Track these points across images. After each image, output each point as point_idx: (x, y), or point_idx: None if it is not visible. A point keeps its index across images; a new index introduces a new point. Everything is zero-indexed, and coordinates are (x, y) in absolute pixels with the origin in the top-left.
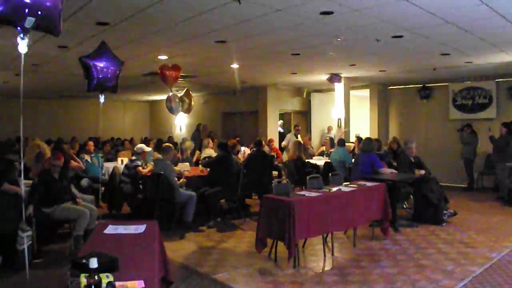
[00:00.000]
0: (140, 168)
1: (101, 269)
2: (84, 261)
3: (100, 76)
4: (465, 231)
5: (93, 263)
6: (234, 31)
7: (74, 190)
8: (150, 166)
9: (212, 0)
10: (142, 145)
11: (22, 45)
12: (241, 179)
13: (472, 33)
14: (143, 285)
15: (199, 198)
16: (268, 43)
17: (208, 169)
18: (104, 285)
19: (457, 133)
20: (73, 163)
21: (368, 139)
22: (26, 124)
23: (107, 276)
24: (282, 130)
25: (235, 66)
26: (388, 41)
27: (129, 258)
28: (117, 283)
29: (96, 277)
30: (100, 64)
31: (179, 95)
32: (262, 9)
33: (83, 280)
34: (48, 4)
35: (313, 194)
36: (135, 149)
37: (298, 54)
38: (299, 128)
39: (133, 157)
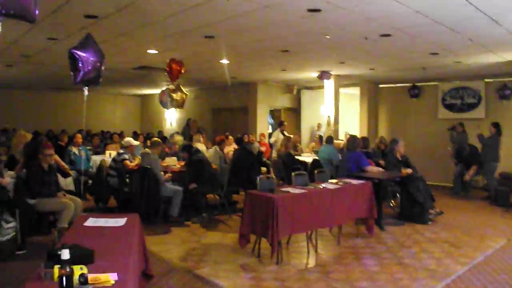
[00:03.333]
0: (127, 162)
1: (74, 260)
2: (57, 252)
3: (86, 68)
4: (451, 230)
5: (65, 254)
6: (222, 27)
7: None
8: (137, 160)
9: None
10: (130, 139)
11: None
12: (217, 175)
13: (460, 33)
14: (117, 278)
15: (185, 193)
16: (256, 39)
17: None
18: (76, 276)
19: (446, 133)
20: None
21: (353, 137)
22: (16, 115)
23: (81, 268)
24: (270, 130)
25: (224, 61)
26: (376, 39)
27: (106, 251)
28: (90, 275)
29: (68, 269)
30: (86, 56)
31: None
32: (250, 6)
33: (56, 271)
34: None
35: (298, 190)
36: (122, 142)
37: (288, 51)
38: (285, 124)
39: (121, 151)
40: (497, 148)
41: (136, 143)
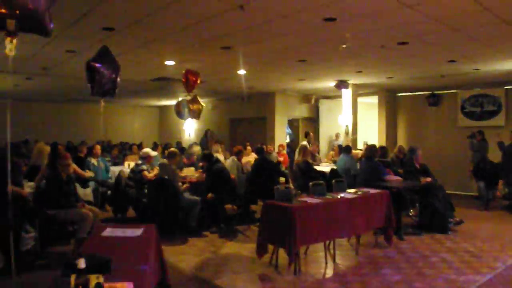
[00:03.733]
0: (146, 173)
1: (90, 270)
2: (74, 262)
3: (102, 80)
4: (471, 239)
5: (81, 263)
6: (239, 38)
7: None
8: (155, 171)
9: (216, 6)
10: (148, 150)
11: (9, 47)
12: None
13: (478, 40)
14: (132, 287)
15: (203, 203)
16: (273, 49)
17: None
18: (92, 285)
19: (466, 141)
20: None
21: (371, 146)
22: (36, 127)
23: (97, 277)
24: (289, 140)
25: (242, 72)
26: (393, 47)
27: (122, 260)
28: (106, 284)
29: (85, 278)
30: (102, 68)
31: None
32: (266, 16)
33: (73, 280)
34: (29, 5)
35: (315, 200)
36: (141, 153)
37: (305, 61)
38: (311, 134)
39: (139, 162)
40: None
41: (154, 153)
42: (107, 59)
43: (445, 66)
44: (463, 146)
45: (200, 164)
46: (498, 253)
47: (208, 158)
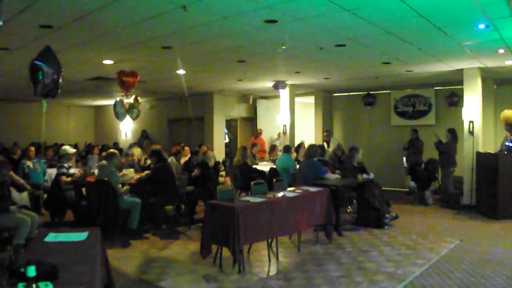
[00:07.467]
0: (64, 177)
1: (39, 277)
2: (22, 270)
3: (46, 80)
4: (406, 233)
5: (31, 271)
6: (180, 38)
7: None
8: (76, 172)
9: (158, 6)
10: (66, 147)
11: None
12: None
13: (411, 43)
14: None
15: (144, 205)
16: (214, 50)
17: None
18: None
19: (399, 139)
20: None
21: (311, 145)
22: None
23: (46, 285)
24: (227, 140)
25: (181, 72)
26: (331, 49)
27: (69, 266)
28: None
29: (34, 286)
30: (46, 68)
31: (126, 101)
32: (208, 17)
33: None
34: None
35: (258, 199)
36: (59, 152)
37: (244, 61)
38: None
39: (58, 164)
40: (453, 154)
41: (72, 150)
42: (51, 59)
43: (380, 67)
44: (397, 144)
45: (149, 162)
46: (432, 245)
47: (157, 155)
